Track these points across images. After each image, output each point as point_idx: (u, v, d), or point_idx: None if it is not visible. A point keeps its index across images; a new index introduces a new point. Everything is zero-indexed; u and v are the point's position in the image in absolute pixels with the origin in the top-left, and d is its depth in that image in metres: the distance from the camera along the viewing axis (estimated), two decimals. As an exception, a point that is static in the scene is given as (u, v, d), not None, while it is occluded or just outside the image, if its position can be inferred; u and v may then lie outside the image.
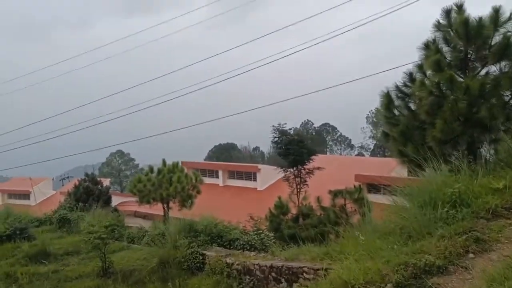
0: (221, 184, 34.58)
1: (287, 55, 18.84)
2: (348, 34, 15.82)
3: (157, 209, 25.18)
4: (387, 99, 11.43)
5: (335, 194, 19.66)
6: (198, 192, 25.23)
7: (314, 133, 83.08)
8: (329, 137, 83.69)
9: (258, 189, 32.57)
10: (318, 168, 20.41)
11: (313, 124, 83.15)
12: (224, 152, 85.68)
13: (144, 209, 27.05)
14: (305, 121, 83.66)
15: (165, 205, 24.59)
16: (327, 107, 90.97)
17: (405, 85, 10.92)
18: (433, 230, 5.62)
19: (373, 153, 78.90)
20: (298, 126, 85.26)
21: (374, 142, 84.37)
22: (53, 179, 46.62)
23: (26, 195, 40.38)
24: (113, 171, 69.46)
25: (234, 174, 34.72)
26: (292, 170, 20.35)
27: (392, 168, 32.12)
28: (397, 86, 10.96)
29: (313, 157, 20.61)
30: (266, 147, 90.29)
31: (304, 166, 20.19)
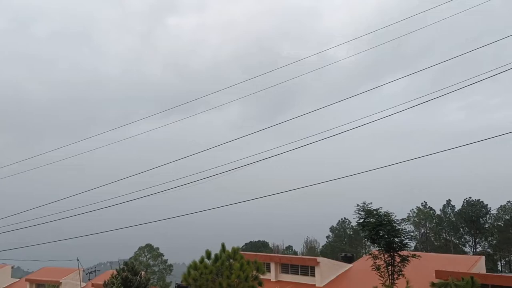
0: (272, 279, 30.91)
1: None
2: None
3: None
4: None
5: (440, 287, 16.43)
6: (260, 284, 21.91)
7: (351, 232, 78.78)
8: (367, 237, 78.95)
9: (316, 285, 28.83)
10: (414, 255, 17.36)
11: (350, 222, 79.15)
12: (255, 250, 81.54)
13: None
14: (342, 219, 79.99)
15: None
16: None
17: None
18: None
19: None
20: (334, 225, 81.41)
21: (415, 242, 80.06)
22: (83, 270, 43.39)
23: (55, 286, 37.26)
24: (141, 266, 65.59)
25: (288, 267, 31.17)
26: (383, 257, 17.34)
27: (471, 264, 28.49)
28: None
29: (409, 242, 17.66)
30: (298, 246, 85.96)
31: (399, 252, 17.19)
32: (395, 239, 17.14)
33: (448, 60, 13.86)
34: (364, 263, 33.45)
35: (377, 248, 18.20)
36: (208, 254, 22.63)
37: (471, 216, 71.17)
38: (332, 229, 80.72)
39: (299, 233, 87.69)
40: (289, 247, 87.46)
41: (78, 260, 32.46)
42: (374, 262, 17.74)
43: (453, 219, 74.14)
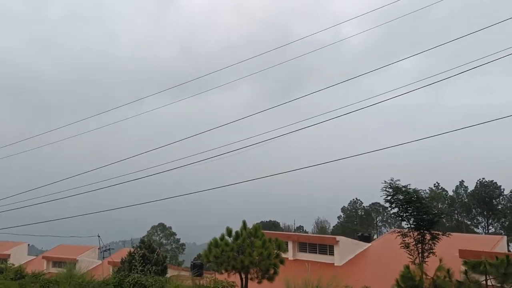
0: (290, 258, 30.68)
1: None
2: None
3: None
4: None
5: (474, 266, 15.98)
6: (282, 262, 21.62)
7: (363, 213, 78.56)
8: (379, 218, 78.84)
9: (335, 264, 28.60)
10: (444, 233, 16.97)
11: (362, 203, 78.92)
12: (266, 230, 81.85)
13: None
14: (353, 199, 79.64)
15: (244, 276, 21.04)
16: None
17: None
18: None
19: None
20: (346, 205, 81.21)
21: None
22: (98, 249, 43.59)
23: (72, 263, 37.53)
24: (154, 245, 66.15)
25: (305, 246, 30.96)
26: (412, 235, 16.97)
27: (493, 244, 28.08)
28: None
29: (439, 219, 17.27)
30: (309, 226, 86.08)
31: (430, 230, 16.77)
32: (424, 216, 16.72)
33: (462, 37, 12.90)
34: (382, 242, 33.13)
35: (404, 226, 17.81)
36: (229, 231, 22.20)
37: (484, 197, 70.62)
38: (343, 209, 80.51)
39: (310, 213, 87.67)
40: (300, 227, 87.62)
41: (99, 236, 32.45)
42: (403, 240, 17.35)
43: (466, 200, 73.64)
